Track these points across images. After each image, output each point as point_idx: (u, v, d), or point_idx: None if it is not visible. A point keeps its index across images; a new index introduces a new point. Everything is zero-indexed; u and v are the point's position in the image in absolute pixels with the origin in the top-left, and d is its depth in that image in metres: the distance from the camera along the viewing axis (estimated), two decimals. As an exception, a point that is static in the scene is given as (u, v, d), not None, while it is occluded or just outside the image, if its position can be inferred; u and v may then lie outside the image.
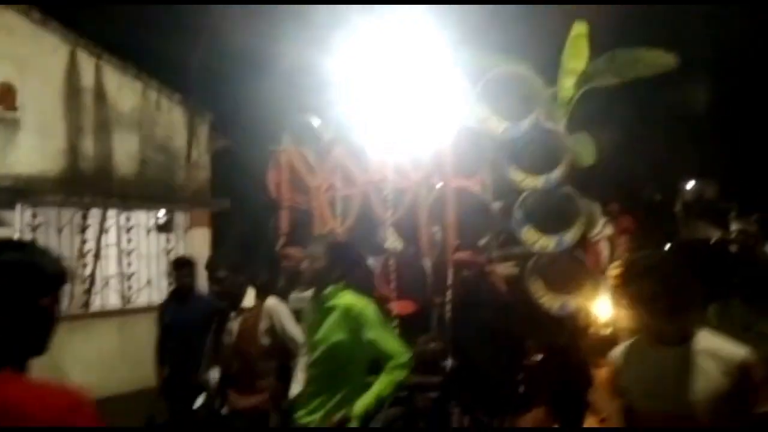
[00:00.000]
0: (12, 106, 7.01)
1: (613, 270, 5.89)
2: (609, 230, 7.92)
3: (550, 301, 4.34)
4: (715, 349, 2.08)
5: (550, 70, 5.31)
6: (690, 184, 31.77)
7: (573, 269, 4.36)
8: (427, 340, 4.67)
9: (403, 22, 4.90)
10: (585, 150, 4.79)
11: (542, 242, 4.38)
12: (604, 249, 7.62)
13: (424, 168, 4.41)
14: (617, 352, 2.36)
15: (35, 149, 6.92)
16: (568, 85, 5.03)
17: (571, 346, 4.83)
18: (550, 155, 4.44)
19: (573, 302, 4.34)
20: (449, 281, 4.18)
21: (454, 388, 4.00)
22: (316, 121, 4.99)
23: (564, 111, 5.06)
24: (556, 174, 4.35)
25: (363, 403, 2.98)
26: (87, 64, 7.77)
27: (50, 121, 7.48)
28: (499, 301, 3.75)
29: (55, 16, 7.50)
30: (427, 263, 4.47)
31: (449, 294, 4.15)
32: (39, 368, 1.40)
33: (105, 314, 7.94)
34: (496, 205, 4.61)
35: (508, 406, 3.84)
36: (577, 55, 5.13)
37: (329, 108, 4.99)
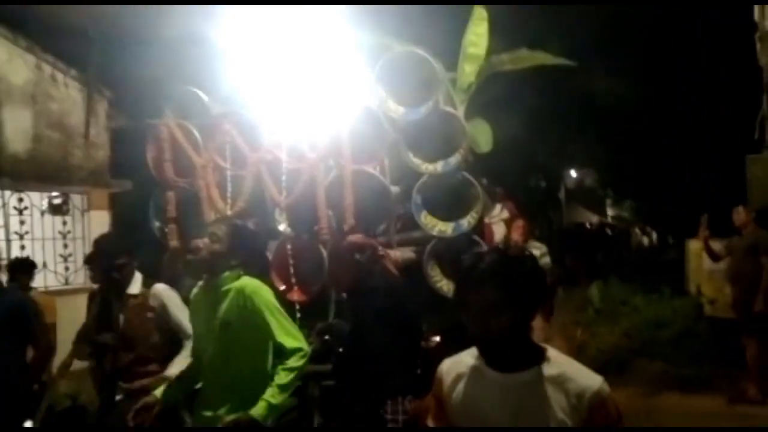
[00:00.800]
0: None
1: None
2: (505, 214, 8.01)
3: (447, 286, 4.20)
4: (565, 377, 1.67)
5: (449, 55, 5.15)
6: (572, 173, 33.59)
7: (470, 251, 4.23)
8: (323, 328, 4.43)
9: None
10: (482, 136, 4.69)
11: (440, 227, 4.23)
12: (499, 231, 7.70)
13: (321, 149, 4.11)
14: (446, 366, 1.89)
15: None
16: (468, 70, 4.89)
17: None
18: (448, 140, 4.29)
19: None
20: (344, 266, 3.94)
21: (344, 374, 3.77)
22: (203, 96, 4.54)
23: (463, 97, 4.92)
24: (455, 159, 4.20)
25: (264, 403, 2.77)
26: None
27: None
28: (392, 285, 3.53)
29: None
30: (323, 248, 4.18)
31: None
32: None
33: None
34: (395, 189, 4.40)
35: (402, 391, 3.65)
36: (477, 41, 5.00)
37: (218, 82, 4.56)
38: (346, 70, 4.43)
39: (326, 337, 4.36)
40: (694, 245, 8.66)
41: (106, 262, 3.74)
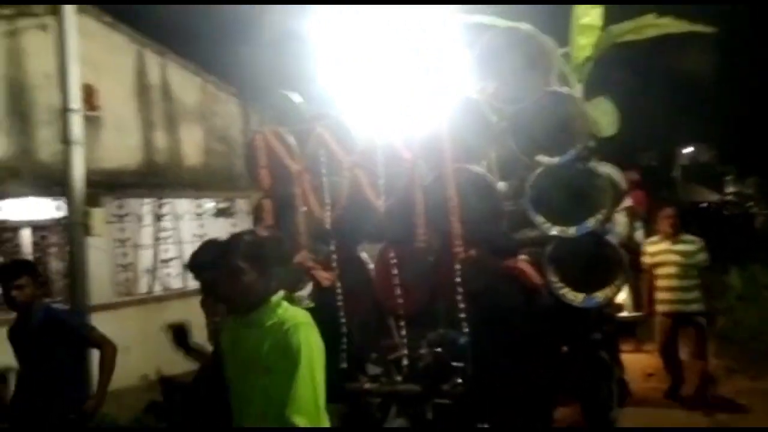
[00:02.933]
0: (94, 107, 6.95)
1: (649, 246, 4.85)
2: (628, 201, 6.97)
3: (572, 294, 3.43)
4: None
5: (559, 30, 4.31)
6: (686, 149, 30.61)
7: (599, 255, 3.44)
8: (434, 339, 3.82)
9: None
10: (606, 118, 3.84)
11: (560, 226, 3.46)
12: (620, 222, 6.69)
13: (419, 147, 3.48)
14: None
15: (115, 145, 7.12)
16: (583, 43, 4.04)
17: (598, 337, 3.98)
18: (565, 125, 3.51)
19: (600, 294, 3.43)
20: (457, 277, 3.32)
21: (474, 399, 3.15)
22: (296, 97, 4.07)
23: (579, 74, 4.08)
24: (575, 147, 3.41)
25: None
26: (153, 62, 7.95)
27: (125, 118, 7.55)
28: (534, 301, 2.86)
29: (122, 19, 7.70)
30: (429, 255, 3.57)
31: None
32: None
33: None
34: (502, 186, 3.69)
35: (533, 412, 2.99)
36: (590, 10, 4.13)
37: (310, 82, 4.07)
38: (442, 56, 3.78)
39: (438, 348, 3.76)
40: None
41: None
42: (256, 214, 3.98)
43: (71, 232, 4.50)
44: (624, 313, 7.32)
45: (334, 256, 3.72)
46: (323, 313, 3.46)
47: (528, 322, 2.88)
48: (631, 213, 7.11)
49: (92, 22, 7.13)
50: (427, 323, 3.91)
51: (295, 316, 2.16)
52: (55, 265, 6.99)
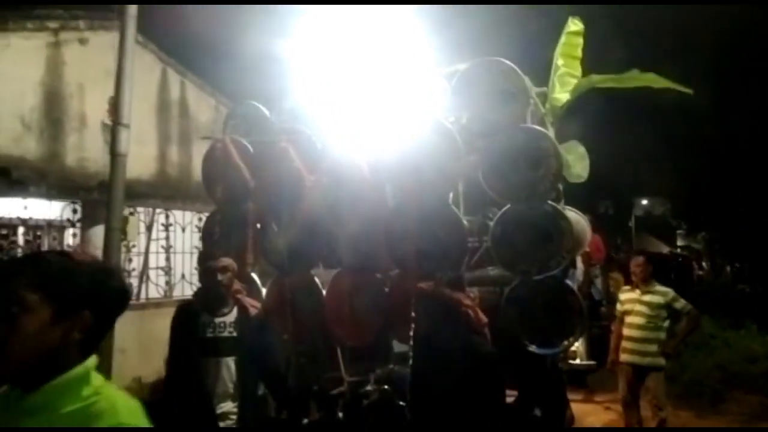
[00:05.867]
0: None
1: (622, 294, 4.61)
2: (584, 247, 6.83)
3: (529, 339, 3.20)
4: None
5: (537, 71, 4.16)
6: (642, 201, 31.24)
7: (559, 300, 3.22)
8: (382, 376, 3.53)
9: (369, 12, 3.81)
10: (579, 163, 3.65)
11: (523, 266, 3.24)
12: (579, 268, 6.53)
13: (386, 171, 3.24)
14: None
15: (134, 155, 6.44)
16: (561, 86, 3.88)
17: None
18: (536, 164, 3.31)
19: (557, 341, 3.21)
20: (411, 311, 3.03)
21: None
22: (265, 111, 3.80)
23: (554, 117, 3.91)
24: (543, 186, 3.22)
25: None
26: (174, 80, 8.13)
27: (145, 131, 7.59)
28: (478, 342, 2.60)
29: (151, 37, 7.80)
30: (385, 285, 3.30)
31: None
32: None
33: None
34: (470, 219, 3.46)
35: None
36: (572, 55, 3.99)
37: (282, 97, 3.81)
38: (417, 82, 3.58)
39: (385, 386, 3.46)
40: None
41: None
42: (206, 227, 3.64)
43: (108, 236, 4.50)
44: (576, 361, 7.12)
45: (285, 279, 3.40)
46: (246, 345, 3.12)
47: (468, 365, 2.60)
48: (587, 259, 6.96)
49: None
50: (379, 358, 3.62)
51: (113, 406, 1.23)
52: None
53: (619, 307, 5.39)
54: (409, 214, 3.13)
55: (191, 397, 3.07)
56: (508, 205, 3.29)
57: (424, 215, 3.11)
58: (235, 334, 3.18)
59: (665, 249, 26.66)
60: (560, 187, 3.50)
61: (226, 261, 3.13)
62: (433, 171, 3.16)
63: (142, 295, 7.60)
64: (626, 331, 5.20)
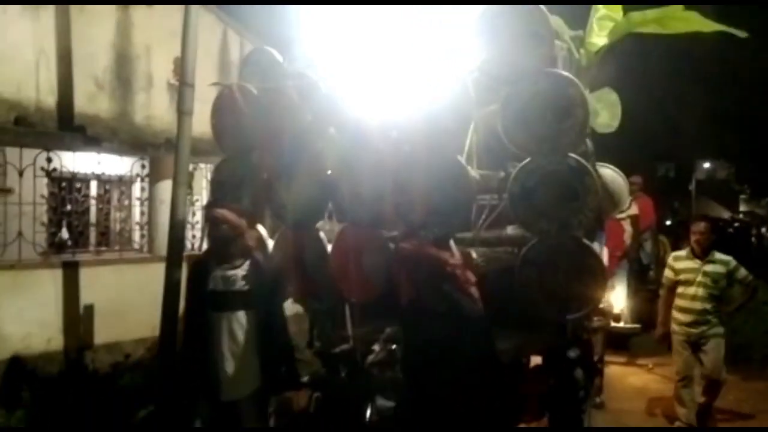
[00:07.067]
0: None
1: (675, 261, 4.20)
2: (634, 209, 6.36)
3: (546, 304, 2.93)
4: None
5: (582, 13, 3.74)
6: (704, 164, 29.50)
7: (581, 262, 2.92)
8: (391, 336, 3.37)
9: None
10: (608, 111, 3.27)
11: (542, 225, 2.95)
12: (626, 231, 6.08)
13: (395, 122, 2.98)
14: None
15: (197, 114, 6.49)
16: (598, 28, 3.45)
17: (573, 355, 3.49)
18: (561, 114, 2.96)
19: (576, 305, 2.94)
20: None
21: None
22: (279, 56, 3.59)
23: (589, 63, 3.51)
24: (567, 138, 2.88)
25: None
26: (233, 41, 8.02)
27: (207, 90, 7.38)
28: (468, 310, 2.38)
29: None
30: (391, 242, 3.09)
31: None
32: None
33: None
34: (487, 174, 3.17)
35: None
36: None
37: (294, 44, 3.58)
38: (436, 28, 3.25)
39: (393, 346, 3.30)
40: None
41: None
42: (214, 177, 3.52)
43: (175, 190, 4.57)
44: (620, 324, 6.76)
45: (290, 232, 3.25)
46: (258, 298, 3.03)
47: (454, 326, 2.39)
48: (635, 222, 6.49)
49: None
50: (390, 318, 3.46)
51: None
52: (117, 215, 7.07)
53: (670, 275, 4.92)
54: (416, 167, 2.87)
55: (203, 351, 3.08)
56: (528, 159, 2.99)
57: (430, 168, 2.85)
58: (246, 287, 3.11)
59: (726, 214, 25.15)
60: (588, 141, 3.16)
61: (226, 212, 3.05)
62: (443, 121, 2.88)
63: (205, 246, 7.76)
64: (683, 302, 4.77)
